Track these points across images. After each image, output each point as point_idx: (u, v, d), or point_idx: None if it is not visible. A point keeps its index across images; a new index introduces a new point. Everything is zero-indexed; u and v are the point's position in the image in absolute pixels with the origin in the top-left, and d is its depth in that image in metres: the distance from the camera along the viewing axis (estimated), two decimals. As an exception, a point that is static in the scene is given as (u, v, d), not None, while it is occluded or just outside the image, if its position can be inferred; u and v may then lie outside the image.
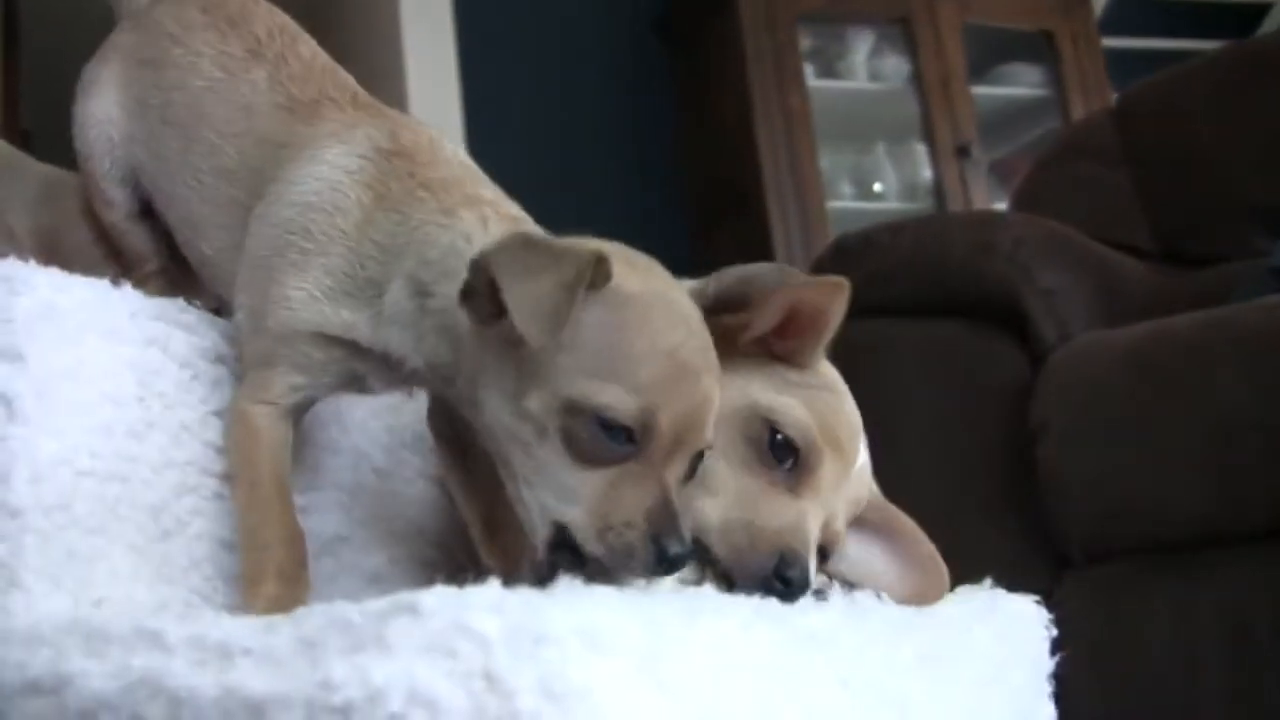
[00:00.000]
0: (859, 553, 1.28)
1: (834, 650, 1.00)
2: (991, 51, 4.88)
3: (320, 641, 0.77)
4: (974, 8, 4.78)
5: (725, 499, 1.17)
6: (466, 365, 1.06)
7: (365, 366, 1.15)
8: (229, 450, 1.18)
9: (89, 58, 1.44)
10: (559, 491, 1.01)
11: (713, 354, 1.06)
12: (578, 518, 1.01)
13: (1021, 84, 4.95)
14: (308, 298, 1.12)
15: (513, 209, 1.15)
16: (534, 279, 0.96)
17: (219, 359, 1.20)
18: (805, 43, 4.61)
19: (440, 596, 0.74)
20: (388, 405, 1.43)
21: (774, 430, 1.18)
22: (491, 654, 0.72)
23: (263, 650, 0.80)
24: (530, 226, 1.13)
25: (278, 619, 0.82)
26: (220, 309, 1.33)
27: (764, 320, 1.21)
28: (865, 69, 4.76)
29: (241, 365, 1.20)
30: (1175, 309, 2.12)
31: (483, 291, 0.99)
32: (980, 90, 4.78)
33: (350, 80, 1.33)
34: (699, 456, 1.07)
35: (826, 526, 1.20)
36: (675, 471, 1.03)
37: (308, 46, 1.36)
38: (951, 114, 4.63)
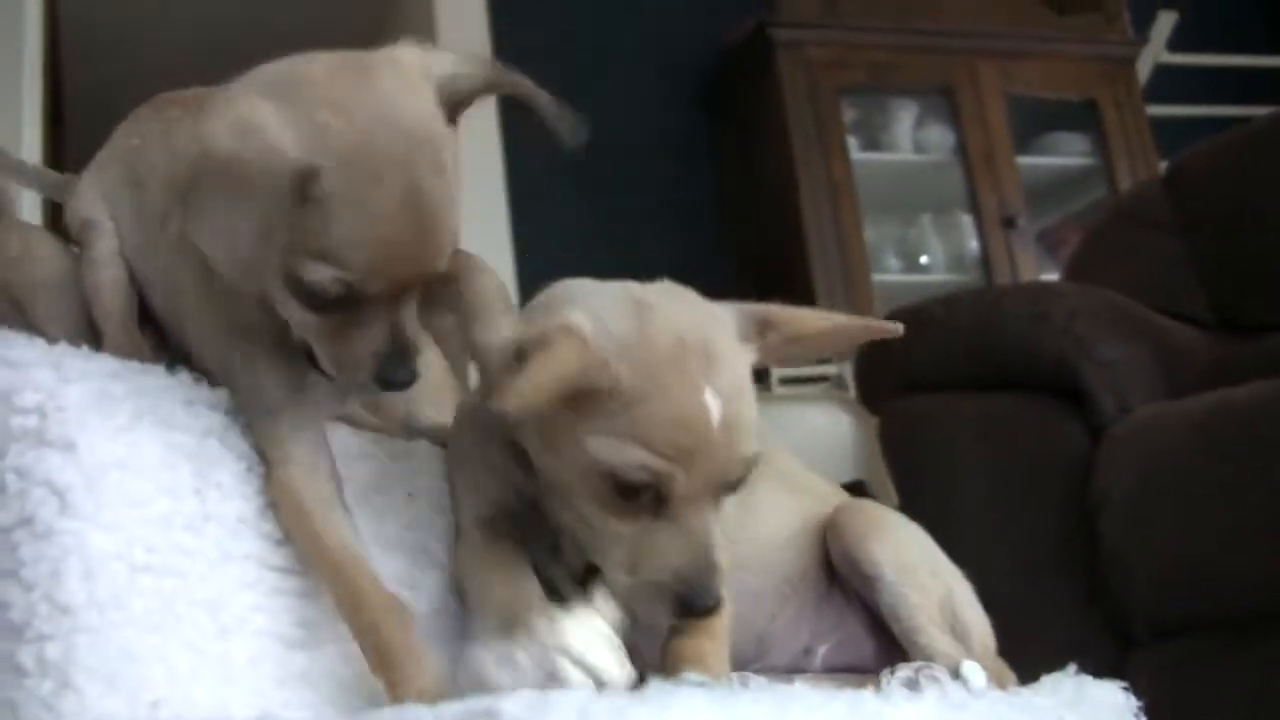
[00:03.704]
0: None
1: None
2: (1036, 121, 4.86)
3: (390, 747, 0.74)
4: (1017, 78, 4.77)
5: (617, 555, 1.14)
6: None
7: None
8: (284, 530, 1.16)
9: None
10: None
11: (439, 192, 1.15)
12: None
13: (1066, 153, 4.92)
14: None
15: None
16: None
17: (276, 449, 1.17)
18: (848, 115, 4.60)
19: (522, 702, 0.71)
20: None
21: (614, 477, 1.11)
22: (574, 762, 0.69)
23: (328, 756, 0.77)
24: None
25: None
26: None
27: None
28: (909, 140, 4.74)
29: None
30: (1235, 378, 2.09)
31: None
32: (1025, 160, 4.75)
33: None
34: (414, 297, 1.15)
35: (718, 483, 1.14)
36: (406, 313, 1.13)
37: None
38: (997, 184, 4.61)
